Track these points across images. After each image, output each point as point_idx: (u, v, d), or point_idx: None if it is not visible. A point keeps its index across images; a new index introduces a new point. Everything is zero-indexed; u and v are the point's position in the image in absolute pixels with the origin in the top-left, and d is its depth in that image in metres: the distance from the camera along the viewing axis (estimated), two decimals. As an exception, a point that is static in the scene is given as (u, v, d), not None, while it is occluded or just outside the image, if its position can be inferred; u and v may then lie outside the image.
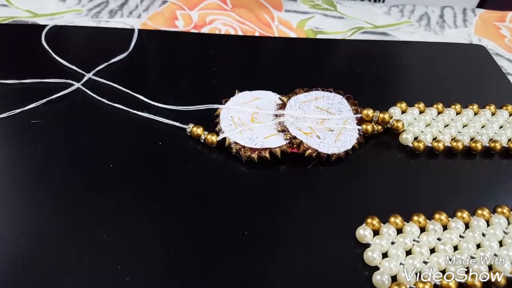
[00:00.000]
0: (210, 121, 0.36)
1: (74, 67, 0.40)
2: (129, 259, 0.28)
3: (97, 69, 0.40)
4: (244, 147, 0.33)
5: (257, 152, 0.33)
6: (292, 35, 0.51)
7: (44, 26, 0.45)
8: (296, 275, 0.28)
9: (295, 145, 0.34)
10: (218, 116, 0.36)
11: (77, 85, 0.39)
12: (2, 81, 0.38)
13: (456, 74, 0.46)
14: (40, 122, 0.35)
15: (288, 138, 0.34)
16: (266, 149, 0.33)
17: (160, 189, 0.32)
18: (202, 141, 0.35)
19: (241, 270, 0.28)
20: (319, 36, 0.51)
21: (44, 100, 0.36)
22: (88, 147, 0.34)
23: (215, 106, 0.36)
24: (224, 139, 0.34)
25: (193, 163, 0.34)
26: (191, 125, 0.35)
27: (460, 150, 0.37)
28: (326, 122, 0.35)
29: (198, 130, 0.35)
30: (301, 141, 0.33)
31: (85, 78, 0.39)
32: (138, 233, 0.29)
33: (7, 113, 0.35)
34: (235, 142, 0.33)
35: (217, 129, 0.35)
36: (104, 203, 0.30)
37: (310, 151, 0.33)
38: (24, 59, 0.41)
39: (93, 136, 0.35)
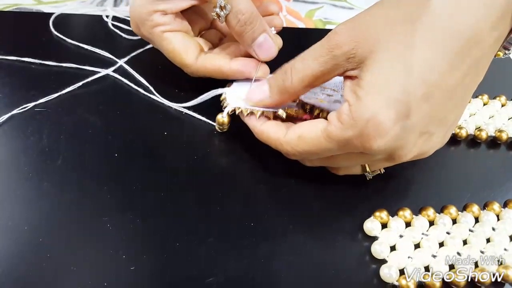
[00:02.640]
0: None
1: (105, 53, 0.40)
2: (133, 249, 0.27)
3: (129, 56, 0.40)
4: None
5: (271, 112, 0.31)
6: (301, 25, 0.50)
7: (49, 14, 0.44)
8: (303, 268, 0.28)
9: (307, 110, 0.32)
10: (223, 102, 0.34)
11: (106, 71, 0.38)
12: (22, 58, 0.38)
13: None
14: (45, 110, 0.35)
15: (300, 103, 0.32)
16: (280, 109, 0.31)
17: (166, 180, 0.31)
18: (219, 128, 0.34)
19: (248, 262, 0.28)
20: (328, 27, 0.50)
21: (74, 87, 0.36)
22: (94, 136, 0.34)
23: (220, 90, 0.35)
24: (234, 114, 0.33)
25: (200, 154, 0.33)
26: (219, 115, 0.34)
27: (463, 138, 0.37)
28: (333, 98, 0.34)
29: (219, 116, 0.34)
30: (313, 105, 0.32)
31: (117, 65, 0.39)
32: (143, 223, 0.29)
33: (29, 104, 0.35)
34: (246, 108, 0.32)
35: (223, 107, 0.33)
36: (109, 192, 0.30)
37: (323, 112, 0.31)
38: (31, 45, 0.41)
39: (98, 124, 0.35)
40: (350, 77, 0.27)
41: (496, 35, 0.26)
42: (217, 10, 0.32)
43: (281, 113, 0.31)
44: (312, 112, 0.32)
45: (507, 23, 0.26)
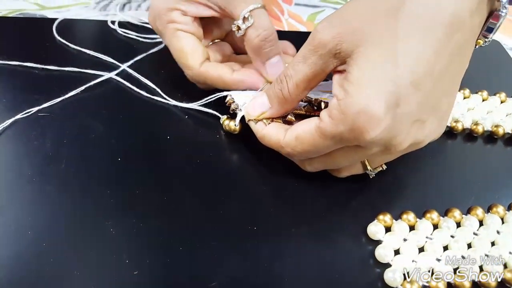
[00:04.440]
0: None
1: (107, 57, 0.40)
2: (137, 253, 0.27)
3: (132, 60, 0.41)
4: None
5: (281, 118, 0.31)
6: (302, 29, 0.50)
7: (52, 19, 0.45)
8: (306, 272, 0.27)
9: (315, 106, 0.32)
10: (229, 106, 0.34)
11: (109, 74, 0.39)
12: (26, 64, 0.39)
13: (470, 69, 0.45)
14: (48, 115, 0.35)
15: (306, 101, 0.32)
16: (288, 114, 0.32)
17: (169, 183, 0.31)
18: (225, 128, 0.34)
19: (251, 265, 0.27)
20: (329, 30, 0.50)
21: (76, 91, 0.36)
22: (97, 140, 0.34)
23: (225, 93, 0.35)
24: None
25: (202, 158, 0.33)
26: (224, 116, 0.35)
27: (459, 131, 0.37)
28: None
29: (231, 124, 0.34)
30: (321, 100, 0.32)
31: (120, 69, 0.40)
32: (146, 227, 0.29)
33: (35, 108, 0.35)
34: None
35: (231, 110, 0.34)
36: (112, 196, 0.30)
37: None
38: (34, 51, 0.41)
39: (101, 129, 0.35)
40: (339, 71, 0.27)
41: (476, 21, 0.26)
42: (239, 22, 0.32)
43: (290, 117, 0.31)
44: (320, 107, 0.31)
45: (484, 9, 0.27)
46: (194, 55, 0.34)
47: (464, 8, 0.25)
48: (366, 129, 0.25)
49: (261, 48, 0.33)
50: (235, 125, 0.34)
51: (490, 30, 0.28)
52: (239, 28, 0.33)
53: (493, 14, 0.27)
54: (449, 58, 0.26)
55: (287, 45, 0.38)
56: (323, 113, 0.27)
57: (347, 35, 0.26)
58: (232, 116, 0.34)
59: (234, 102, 0.34)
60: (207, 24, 0.36)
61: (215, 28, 0.38)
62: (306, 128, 0.28)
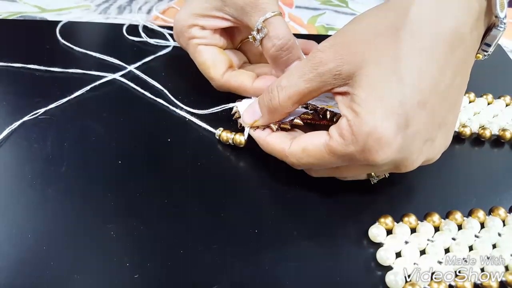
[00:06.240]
0: (227, 122, 0.36)
1: (111, 58, 0.41)
2: (137, 257, 0.27)
3: (140, 62, 0.41)
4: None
5: (288, 122, 0.31)
6: (303, 31, 0.50)
7: (55, 22, 0.45)
8: (308, 274, 0.27)
9: (321, 114, 0.32)
10: (237, 119, 0.34)
11: (112, 75, 0.39)
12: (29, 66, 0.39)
13: (472, 72, 0.45)
14: (49, 117, 0.35)
15: (312, 109, 0.32)
16: (296, 117, 0.31)
17: (170, 186, 0.31)
18: (231, 142, 0.34)
19: (252, 269, 0.27)
20: (330, 33, 0.50)
21: (72, 96, 0.36)
22: (98, 143, 0.34)
23: (231, 105, 0.35)
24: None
25: (204, 160, 0.33)
26: (220, 129, 0.35)
27: (467, 136, 0.37)
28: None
29: (228, 135, 0.34)
30: (327, 109, 0.31)
31: (126, 70, 0.40)
32: (146, 230, 0.29)
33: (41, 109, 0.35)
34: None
35: (239, 126, 0.34)
36: (113, 199, 0.30)
37: (337, 116, 0.31)
38: (36, 53, 0.41)
39: (102, 131, 0.35)
40: (340, 93, 0.27)
41: (475, 36, 0.27)
42: (254, 33, 0.33)
43: (297, 121, 0.31)
44: (326, 116, 0.31)
45: (482, 24, 0.27)
46: (215, 67, 0.35)
47: (464, 24, 0.25)
48: (376, 151, 0.25)
49: (278, 57, 0.33)
50: (243, 139, 0.33)
51: (489, 44, 0.28)
52: (255, 39, 0.33)
53: (491, 30, 0.27)
54: (452, 74, 0.26)
55: (313, 45, 0.38)
56: (332, 130, 0.27)
57: (348, 56, 0.26)
58: (241, 130, 0.34)
59: (240, 117, 0.33)
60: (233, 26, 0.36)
61: (228, 38, 0.38)
62: (315, 142, 0.28)
